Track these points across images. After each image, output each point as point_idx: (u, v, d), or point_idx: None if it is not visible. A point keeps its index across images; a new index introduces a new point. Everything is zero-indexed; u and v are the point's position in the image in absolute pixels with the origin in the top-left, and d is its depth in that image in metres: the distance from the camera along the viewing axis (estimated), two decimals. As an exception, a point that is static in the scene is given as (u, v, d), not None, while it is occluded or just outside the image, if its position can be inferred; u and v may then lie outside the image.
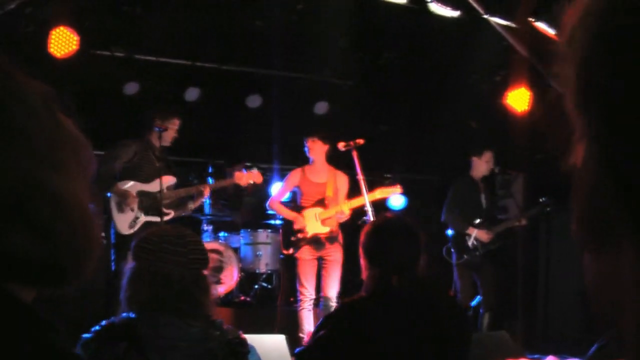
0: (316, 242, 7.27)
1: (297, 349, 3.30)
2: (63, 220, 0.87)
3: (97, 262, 0.92)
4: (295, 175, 7.46)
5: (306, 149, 7.36)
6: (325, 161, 7.39)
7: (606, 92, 0.61)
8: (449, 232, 7.81)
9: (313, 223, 7.25)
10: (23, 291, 0.87)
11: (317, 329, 3.17)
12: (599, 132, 0.63)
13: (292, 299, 8.21)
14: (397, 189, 7.50)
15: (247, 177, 7.27)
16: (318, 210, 7.28)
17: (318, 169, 7.39)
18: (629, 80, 0.59)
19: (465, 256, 7.61)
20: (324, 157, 7.34)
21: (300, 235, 7.26)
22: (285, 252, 7.51)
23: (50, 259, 0.86)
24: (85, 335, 2.58)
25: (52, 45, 6.96)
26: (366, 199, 6.86)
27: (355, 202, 7.16)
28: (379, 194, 7.19)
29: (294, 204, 7.58)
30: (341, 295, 7.21)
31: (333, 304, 7.14)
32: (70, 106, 0.96)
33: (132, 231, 6.60)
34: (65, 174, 0.89)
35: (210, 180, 9.07)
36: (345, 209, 7.17)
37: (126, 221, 6.65)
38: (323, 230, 7.26)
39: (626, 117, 0.60)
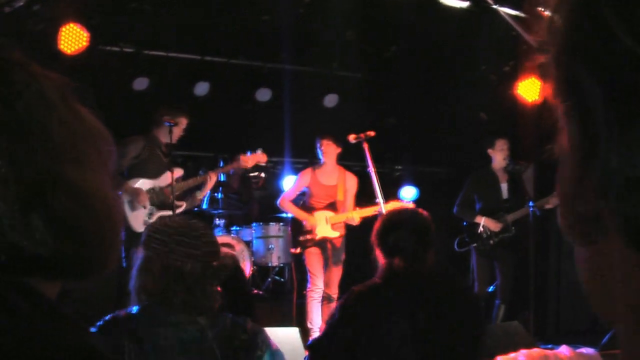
0: (324, 244, 7.42)
1: (310, 340, 3.32)
2: (85, 214, 0.87)
3: (119, 254, 0.93)
4: (305, 176, 7.59)
5: (319, 150, 7.48)
6: (336, 162, 7.54)
7: (584, 83, 0.59)
8: (464, 222, 7.84)
9: (323, 226, 7.39)
10: (47, 285, 0.87)
11: (329, 318, 3.19)
12: (581, 122, 0.61)
13: (304, 292, 8.26)
14: (410, 204, 7.65)
15: (252, 158, 7.26)
16: (329, 213, 7.43)
17: (329, 171, 7.52)
18: (607, 69, 0.57)
19: (476, 244, 7.61)
20: (335, 158, 7.50)
21: (309, 237, 7.40)
22: (293, 251, 7.64)
23: (73, 253, 0.86)
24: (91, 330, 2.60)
25: (62, 42, 6.97)
26: (377, 190, 6.83)
27: (367, 212, 7.25)
28: (391, 205, 7.30)
29: (303, 203, 7.67)
30: (343, 286, 7.35)
31: (334, 299, 7.30)
32: (89, 97, 0.96)
33: None
34: (86, 166, 0.89)
35: (220, 175, 9.09)
36: (356, 216, 7.29)
37: (140, 218, 6.64)
38: (332, 234, 7.42)
39: (607, 106, 0.58)
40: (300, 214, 7.49)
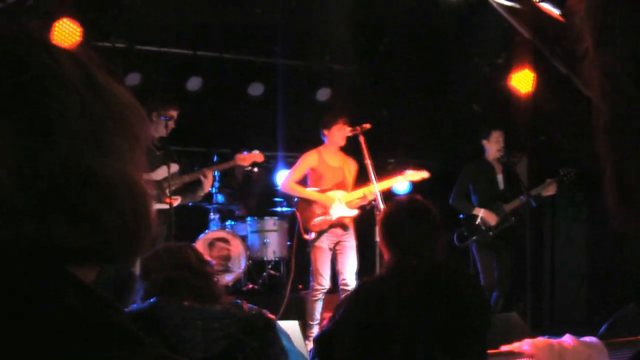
0: (340, 226, 7.02)
1: (316, 334, 3.31)
2: (110, 205, 0.82)
3: (151, 238, 0.89)
4: (312, 157, 7.16)
5: (329, 132, 7.05)
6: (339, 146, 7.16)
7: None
8: (461, 215, 7.78)
9: (338, 206, 7.00)
10: (82, 269, 0.84)
11: (335, 310, 3.16)
12: None
13: (300, 286, 8.20)
14: (425, 173, 7.45)
15: (249, 157, 7.21)
16: (341, 193, 7.05)
17: (335, 152, 7.17)
18: None
19: (476, 237, 7.57)
20: (342, 141, 7.10)
21: (325, 219, 6.99)
22: (306, 237, 7.08)
23: (95, 244, 0.82)
24: None
25: (55, 37, 6.93)
26: (374, 182, 6.78)
27: (381, 185, 6.87)
28: (409, 176, 7.22)
29: (306, 187, 7.23)
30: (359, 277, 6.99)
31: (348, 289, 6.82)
32: (115, 68, 0.91)
33: None
34: (111, 153, 0.84)
35: (215, 172, 9.04)
36: (372, 189, 6.80)
37: None
38: (349, 213, 7.02)
39: None
40: (313, 195, 7.06)
